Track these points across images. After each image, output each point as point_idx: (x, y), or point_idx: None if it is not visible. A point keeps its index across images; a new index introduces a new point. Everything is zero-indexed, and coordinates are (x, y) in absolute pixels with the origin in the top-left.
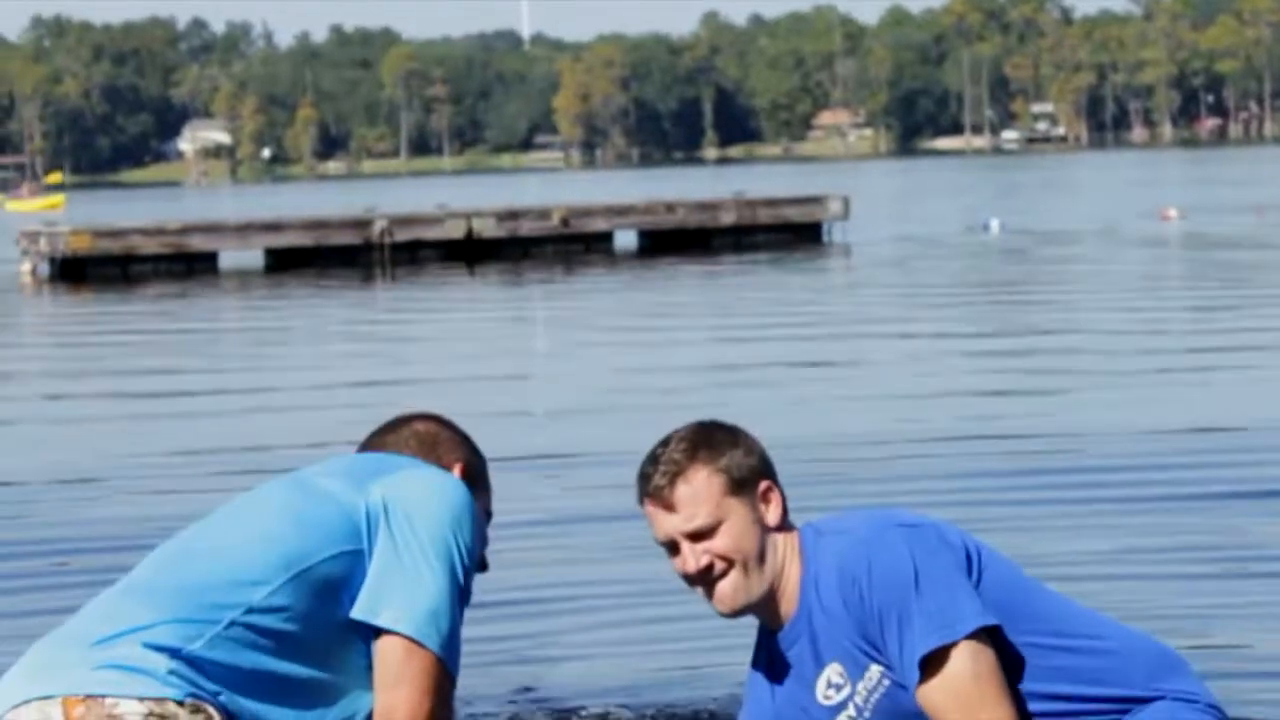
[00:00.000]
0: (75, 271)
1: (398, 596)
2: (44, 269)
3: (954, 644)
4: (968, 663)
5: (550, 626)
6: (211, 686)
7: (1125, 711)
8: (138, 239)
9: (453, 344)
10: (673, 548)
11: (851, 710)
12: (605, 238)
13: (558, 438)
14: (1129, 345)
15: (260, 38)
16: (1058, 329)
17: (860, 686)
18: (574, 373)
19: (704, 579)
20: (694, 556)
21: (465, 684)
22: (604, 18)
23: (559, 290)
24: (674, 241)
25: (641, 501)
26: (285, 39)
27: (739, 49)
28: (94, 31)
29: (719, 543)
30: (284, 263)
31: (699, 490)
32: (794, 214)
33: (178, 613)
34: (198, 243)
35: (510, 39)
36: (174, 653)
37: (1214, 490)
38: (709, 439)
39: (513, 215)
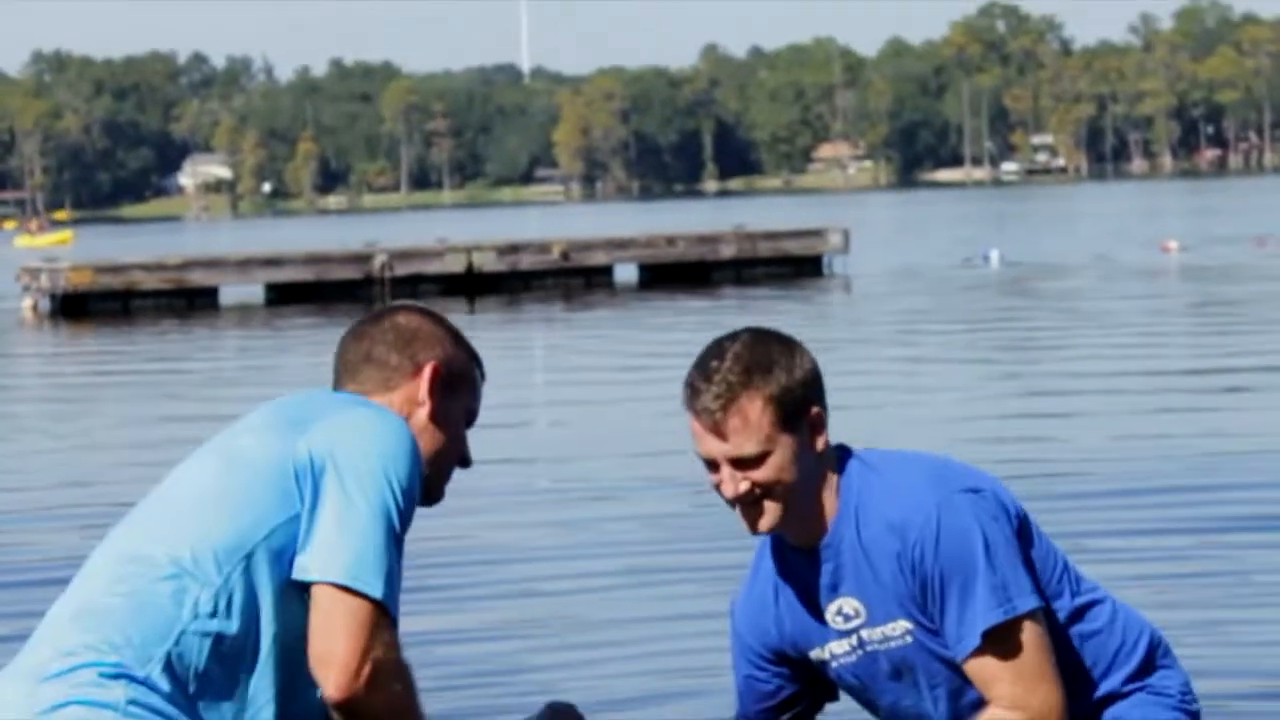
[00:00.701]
0: (76, 307)
1: (326, 546)
2: (45, 304)
3: (1017, 619)
4: (1027, 636)
5: (539, 646)
6: (172, 710)
7: (1107, 699)
8: (138, 274)
9: None
10: (712, 465)
11: (854, 640)
12: (605, 271)
13: (556, 470)
14: (1129, 376)
15: (260, 72)
16: (1058, 359)
17: (878, 630)
18: (575, 405)
19: (740, 501)
20: (734, 482)
21: (449, 705)
22: (603, 51)
23: (559, 324)
24: (674, 275)
25: (687, 409)
26: (285, 73)
27: (739, 81)
28: (94, 66)
29: (763, 473)
30: (285, 297)
31: (750, 421)
32: (794, 247)
33: (130, 635)
34: (198, 278)
35: (510, 72)
36: (131, 679)
37: (1212, 518)
38: (765, 358)
39: (513, 249)
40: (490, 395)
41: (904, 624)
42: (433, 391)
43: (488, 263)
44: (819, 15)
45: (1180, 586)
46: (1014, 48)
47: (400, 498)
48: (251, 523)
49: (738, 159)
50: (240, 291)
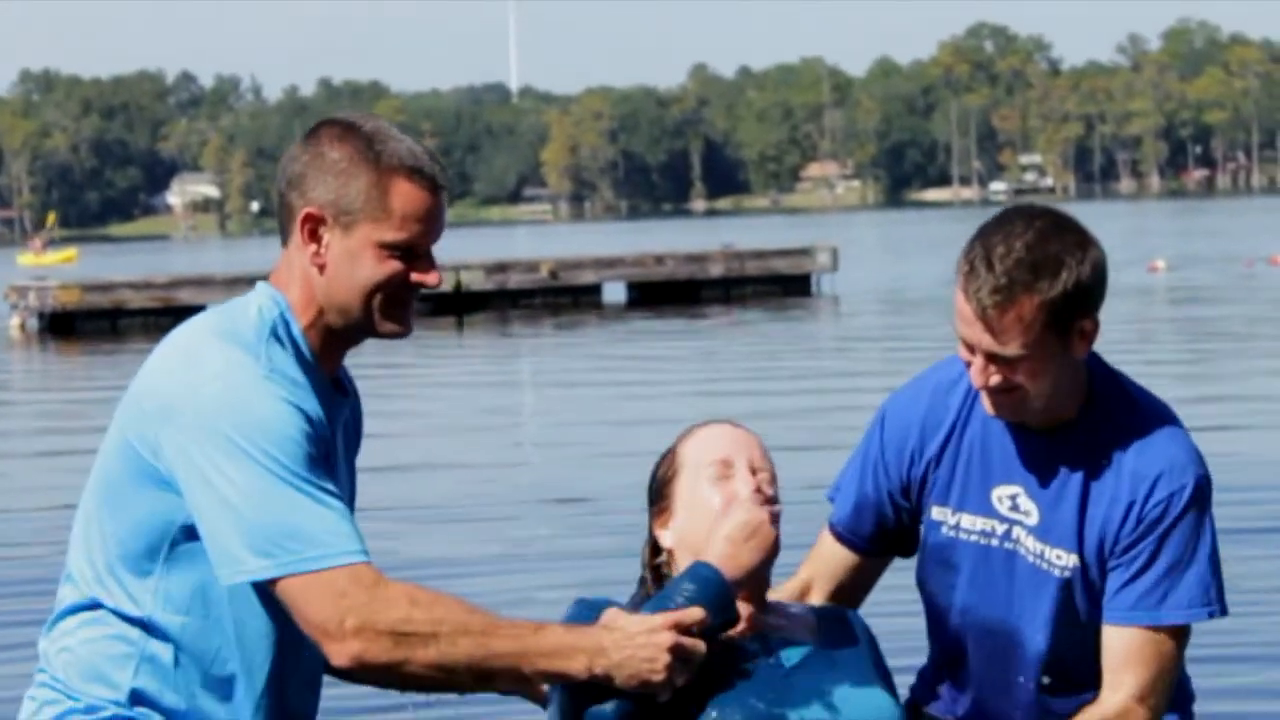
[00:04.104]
0: (64, 326)
1: (224, 546)
2: (33, 323)
3: (1189, 625)
4: (1185, 639)
5: None
6: None
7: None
8: (126, 293)
9: (441, 396)
10: (968, 346)
11: (1004, 529)
12: (594, 290)
13: (548, 486)
14: None
15: (249, 91)
16: None
17: (1041, 545)
18: (563, 423)
19: (987, 390)
20: (985, 374)
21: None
22: (592, 70)
23: (547, 343)
24: (662, 294)
25: (959, 285)
26: (274, 92)
27: (727, 101)
28: (82, 85)
29: (1018, 374)
30: None
31: (1022, 323)
32: (782, 266)
33: (84, 683)
34: (186, 296)
35: (499, 92)
36: (119, 699)
37: None
38: (1056, 256)
39: (501, 268)
40: (478, 413)
41: (1073, 559)
42: (308, 239)
43: (476, 281)
44: (807, 35)
45: None
46: (1002, 68)
47: (257, 448)
48: (160, 524)
49: (726, 178)
50: None
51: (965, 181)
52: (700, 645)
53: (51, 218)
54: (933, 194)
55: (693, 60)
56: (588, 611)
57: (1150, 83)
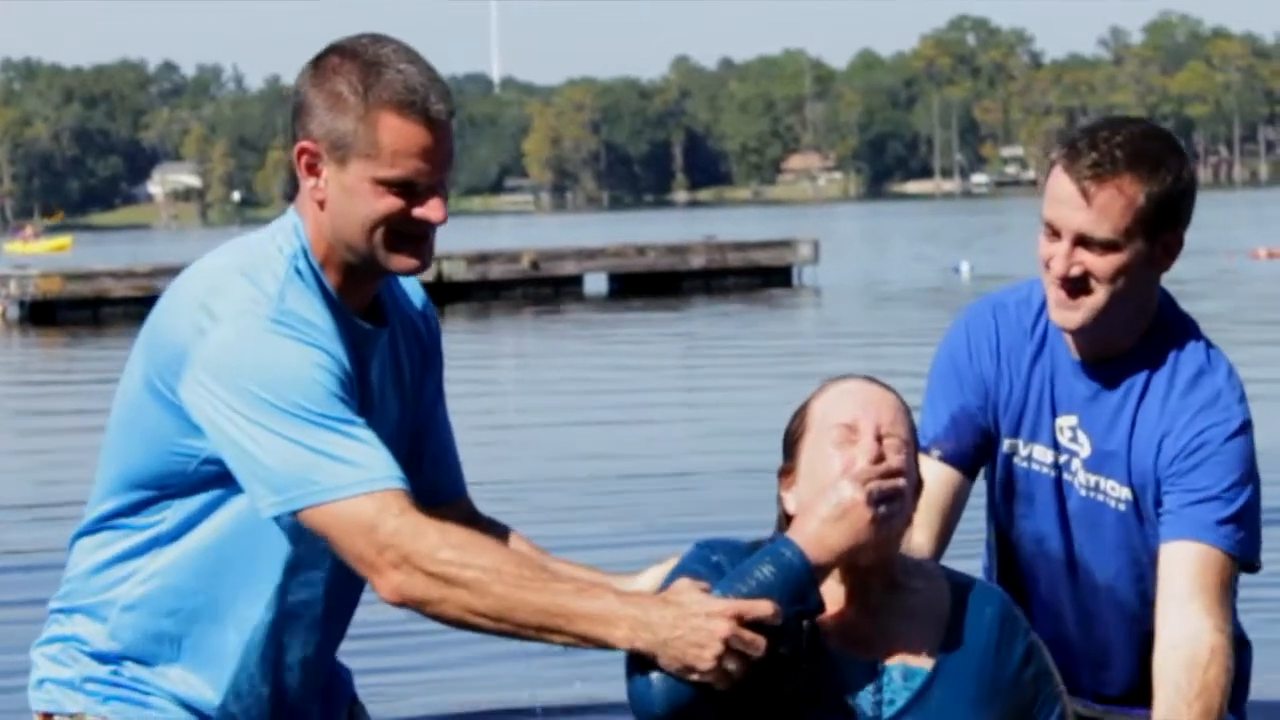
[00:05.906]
0: (45, 314)
1: (246, 481)
2: (14, 312)
3: (1233, 557)
4: (1237, 571)
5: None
6: (136, 677)
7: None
8: (108, 282)
9: None
10: (1053, 232)
11: (1063, 459)
12: (575, 281)
13: (533, 479)
14: None
15: (230, 80)
16: None
17: (1094, 477)
18: (543, 410)
19: (1065, 283)
20: (1068, 260)
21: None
22: (574, 61)
23: (528, 333)
24: (644, 285)
25: (1060, 168)
26: (255, 82)
27: (709, 93)
28: (64, 74)
29: (1103, 265)
30: None
31: (1120, 202)
32: (764, 258)
33: (79, 606)
34: (167, 285)
35: (481, 82)
36: (92, 656)
37: None
38: (1157, 155)
39: (483, 258)
40: (455, 396)
41: (1127, 492)
42: (306, 173)
43: (457, 272)
44: (789, 27)
45: None
46: (984, 60)
47: (270, 390)
48: (179, 455)
49: (707, 170)
50: None
51: (947, 174)
52: (760, 642)
53: (57, 215)
54: (914, 186)
55: (675, 52)
56: (695, 559)
57: (1132, 76)
